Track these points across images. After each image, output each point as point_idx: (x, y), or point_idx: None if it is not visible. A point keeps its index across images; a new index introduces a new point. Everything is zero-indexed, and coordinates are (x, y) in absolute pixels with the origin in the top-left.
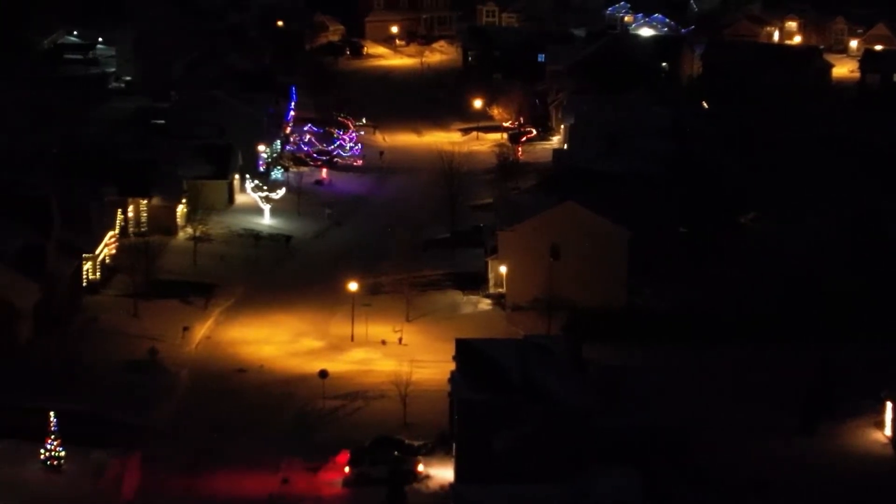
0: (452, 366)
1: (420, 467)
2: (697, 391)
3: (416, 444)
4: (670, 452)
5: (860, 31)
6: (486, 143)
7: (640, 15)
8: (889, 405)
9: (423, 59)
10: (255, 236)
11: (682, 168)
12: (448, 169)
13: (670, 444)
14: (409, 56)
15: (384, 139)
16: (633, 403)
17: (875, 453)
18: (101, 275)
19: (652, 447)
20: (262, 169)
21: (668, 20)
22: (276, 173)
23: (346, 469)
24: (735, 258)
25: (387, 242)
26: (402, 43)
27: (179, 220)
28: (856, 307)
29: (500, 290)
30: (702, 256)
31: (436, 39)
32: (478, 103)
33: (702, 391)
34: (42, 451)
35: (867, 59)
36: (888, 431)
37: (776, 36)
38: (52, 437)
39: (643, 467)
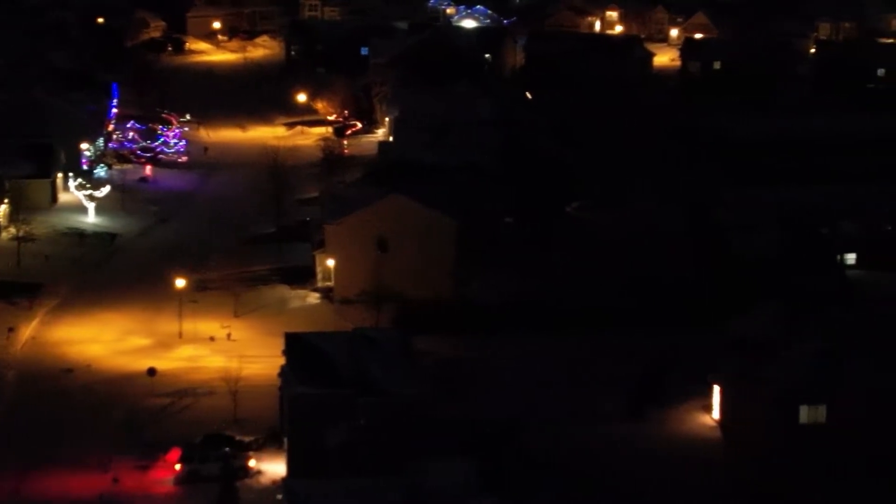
0: (282, 360)
1: (251, 463)
2: (529, 380)
3: (246, 439)
4: (504, 441)
5: (680, 19)
6: (311, 137)
7: (462, 7)
8: (716, 389)
9: (246, 55)
10: (80, 235)
11: (509, 158)
12: (273, 164)
13: (504, 433)
14: (232, 51)
15: (208, 135)
16: (465, 394)
17: (704, 436)
18: None
19: (486, 437)
20: (85, 167)
21: (489, 12)
22: (100, 171)
23: (177, 467)
24: (564, 247)
25: (213, 238)
26: (225, 38)
27: (2, 220)
28: (685, 293)
29: (329, 283)
30: (530, 246)
31: (259, 34)
32: (302, 97)
33: (534, 380)
34: None
35: (687, 48)
36: (716, 414)
37: (597, 26)
38: None
39: (478, 457)
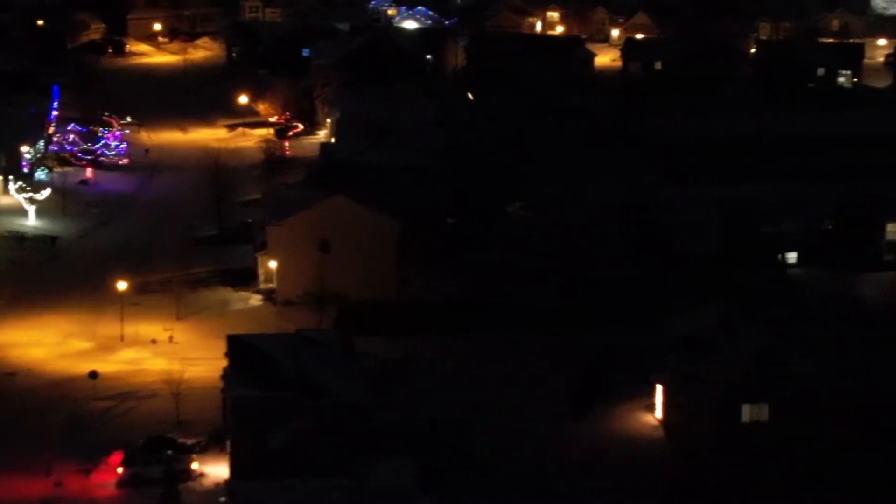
0: (225, 362)
1: (194, 465)
2: (473, 380)
3: (189, 442)
4: (448, 442)
5: (621, 20)
6: (252, 138)
7: (403, 8)
8: (659, 388)
9: (187, 57)
10: (20, 238)
11: (451, 159)
12: (215, 166)
13: (447, 434)
14: (173, 53)
15: (149, 137)
16: (408, 395)
17: (647, 435)
18: None
19: (429, 438)
20: (25, 170)
21: (431, 13)
22: (41, 174)
23: (120, 470)
24: (506, 247)
25: (155, 241)
26: (166, 40)
27: None
28: (627, 293)
29: (271, 285)
30: (473, 246)
31: (199, 36)
32: (243, 99)
33: (477, 380)
34: None
35: (628, 48)
36: (658, 414)
37: (539, 26)
38: None
39: (421, 457)
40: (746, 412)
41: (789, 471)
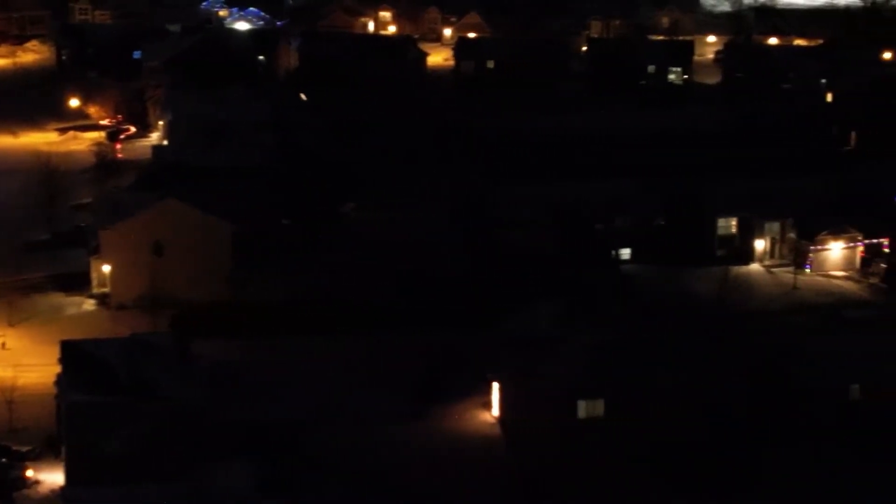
0: (58, 368)
1: (29, 473)
2: (310, 381)
3: (23, 449)
4: (286, 444)
5: (453, 19)
6: (84, 142)
7: (235, 9)
8: (496, 386)
9: (16, 60)
10: None
11: (284, 160)
12: (46, 169)
13: (286, 436)
14: (1, 56)
15: None
16: (245, 397)
17: (484, 433)
18: None
19: (268, 440)
20: None
21: (263, 13)
22: None
23: None
24: (340, 248)
25: None
26: None
27: None
28: (461, 292)
29: (105, 289)
30: (307, 247)
31: (28, 39)
32: (74, 102)
33: (315, 381)
34: None
35: (461, 47)
36: (495, 412)
37: (371, 26)
38: None
39: (260, 460)
40: (582, 408)
41: (626, 464)
